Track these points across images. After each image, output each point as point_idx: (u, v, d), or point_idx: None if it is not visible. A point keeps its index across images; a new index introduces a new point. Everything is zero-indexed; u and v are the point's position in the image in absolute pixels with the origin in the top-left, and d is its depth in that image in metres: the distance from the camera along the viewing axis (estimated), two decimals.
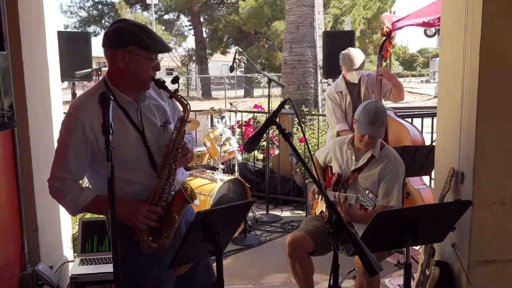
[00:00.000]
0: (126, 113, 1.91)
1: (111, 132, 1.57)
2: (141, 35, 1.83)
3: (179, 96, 1.96)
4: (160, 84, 1.93)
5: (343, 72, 4.07)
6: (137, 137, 1.92)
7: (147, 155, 1.93)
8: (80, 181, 1.97)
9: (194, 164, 4.88)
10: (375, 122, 2.83)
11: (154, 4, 24.42)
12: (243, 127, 6.59)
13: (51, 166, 1.90)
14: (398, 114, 4.05)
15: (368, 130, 2.85)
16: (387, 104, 4.18)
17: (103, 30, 25.99)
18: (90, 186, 2.03)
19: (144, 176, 1.93)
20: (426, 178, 4.07)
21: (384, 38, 4.05)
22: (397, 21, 6.46)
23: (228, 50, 26.50)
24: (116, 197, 1.66)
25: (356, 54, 3.98)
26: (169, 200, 1.95)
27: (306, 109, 7.99)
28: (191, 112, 2.07)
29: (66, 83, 5.79)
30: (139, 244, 1.89)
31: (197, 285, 2.13)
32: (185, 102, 1.96)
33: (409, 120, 4.33)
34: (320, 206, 3.10)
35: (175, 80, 1.98)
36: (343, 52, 4.05)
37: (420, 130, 4.26)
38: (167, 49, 1.93)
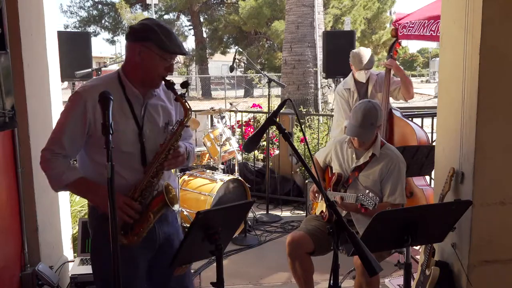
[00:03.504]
0: (131, 105, 1.95)
1: (111, 132, 1.57)
2: (160, 34, 1.88)
3: (184, 100, 1.97)
4: (169, 84, 1.95)
5: (352, 70, 4.12)
6: (135, 130, 1.94)
7: (140, 151, 1.95)
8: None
9: (194, 164, 4.88)
10: (362, 124, 2.81)
11: (154, 4, 24.40)
12: (243, 127, 6.59)
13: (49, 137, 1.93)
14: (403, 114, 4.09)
15: (354, 133, 2.84)
16: (394, 103, 4.22)
17: (103, 30, 25.98)
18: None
19: (132, 172, 1.94)
20: (426, 178, 4.07)
21: (394, 39, 4.22)
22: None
23: (228, 50, 26.47)
24: (97, 182, 1.81)
25: (365, 54, 4.02)
26: (149, 199, 1.94)
27: (305, 110, 7.99)
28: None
29: (66, 83, 5.78)
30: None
31: None
32: (188, 107, 1.97)
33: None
34: (320, 206, 3.10)
35: (184, 85, 2.03)
36: (353, 50, 4.13)
37: None
38: (182, 53, 1.95)
